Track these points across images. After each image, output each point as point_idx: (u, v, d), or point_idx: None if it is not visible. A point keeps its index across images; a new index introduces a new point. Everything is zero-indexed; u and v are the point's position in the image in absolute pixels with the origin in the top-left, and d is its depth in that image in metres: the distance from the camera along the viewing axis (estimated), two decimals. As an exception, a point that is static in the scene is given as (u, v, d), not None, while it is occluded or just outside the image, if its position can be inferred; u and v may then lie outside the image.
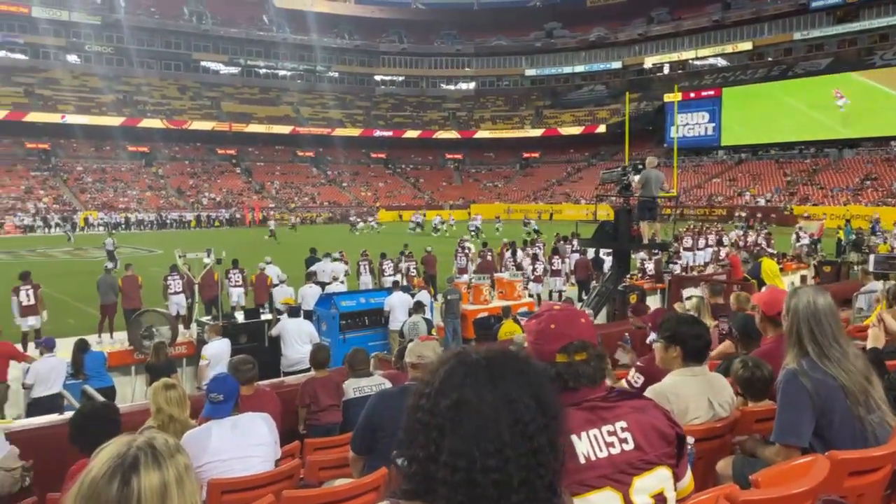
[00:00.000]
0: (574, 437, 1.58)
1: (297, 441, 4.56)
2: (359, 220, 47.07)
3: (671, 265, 19.17)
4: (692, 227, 27.76)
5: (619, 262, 12.79)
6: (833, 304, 2.66)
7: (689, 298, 8.35)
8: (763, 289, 4.34)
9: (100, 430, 3.07)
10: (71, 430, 3.49)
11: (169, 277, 14.08)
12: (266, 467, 3.50)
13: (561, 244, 20.22)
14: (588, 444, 1.60)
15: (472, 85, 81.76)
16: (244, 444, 3.46)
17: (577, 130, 70.77)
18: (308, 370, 7.23)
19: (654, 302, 15.03)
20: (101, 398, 6.77)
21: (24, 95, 59.47)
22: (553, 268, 17.98)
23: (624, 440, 1.63)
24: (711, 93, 61.25)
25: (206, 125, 65.39)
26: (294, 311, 10.63)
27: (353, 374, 5.67)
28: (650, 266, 17.81)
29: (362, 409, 3.70)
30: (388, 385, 5.24)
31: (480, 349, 1.21)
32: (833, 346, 2.54)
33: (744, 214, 42.59)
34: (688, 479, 1.78)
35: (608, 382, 1.87)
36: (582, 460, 1.58)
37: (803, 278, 17.47)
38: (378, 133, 73.28)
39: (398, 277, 16.45)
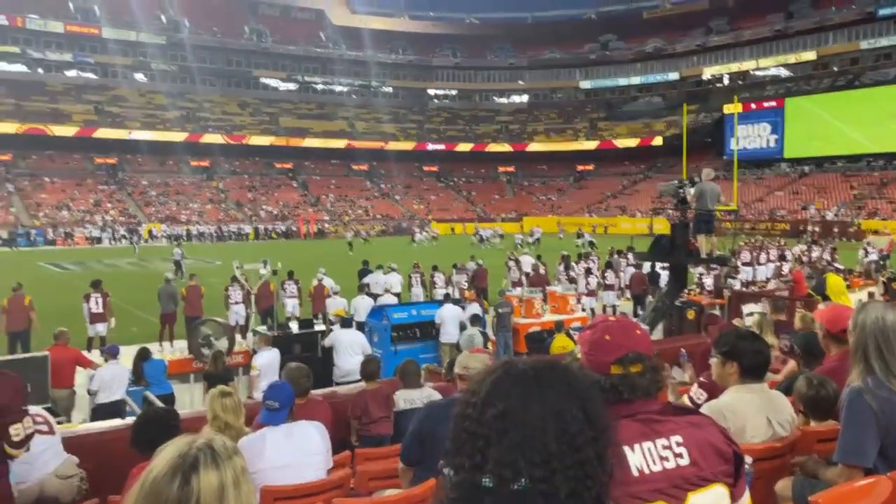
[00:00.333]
0: (627, 449, 1.54)
1: (347, 451, 4.60)
2: (416, 231, 47.33)
3: (730, 280, 18.64)
4: (752, 241, 26.94)
5: (676, 276, 12.54)
6: (902, 321, 2.54)
7: (750, 314, 8.13)
8: (824, 304, 4.20)
9: (160, 434, 3.16)
10: (133, 433, 3.64)
11: (229, 288, 14.57)
12: (318, 476, 3.54)
13: (615, 258, 19.91)
14: (641, 457, 1.56)
15: (525, 98, 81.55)
16: (298, 451, 3.51)
17: (632, 143, 69.69)
18: (359, 381, 7.30)
19: (712, 318, 14.62)
20: (161, 404, 7.02)
21: (95, 113, 62.33)
22: (606, 282, 17.68)
23: (679, 455, 1.59)
24: (774, 104, 59.45)
25: (264, 140, 67.13)
26: (347, 323, 10.75)
27: (404, 385, 5.70)
28: (709, 281, 17.31)
29: (413, 420, 3.72)
30: (438, 396, 5.25)
31: (528, 360, 1.20)
32: (901, 365, 2.43)
33: (817, 230, 40.93)
34: (746, 499, 1.72)
35: (671, 398, 1.84)
36: (635, 473, 1.54)
37: (871, 295, 16.65)
38: (431, 146, 73.76)
39: (449, 290, 16.47)
